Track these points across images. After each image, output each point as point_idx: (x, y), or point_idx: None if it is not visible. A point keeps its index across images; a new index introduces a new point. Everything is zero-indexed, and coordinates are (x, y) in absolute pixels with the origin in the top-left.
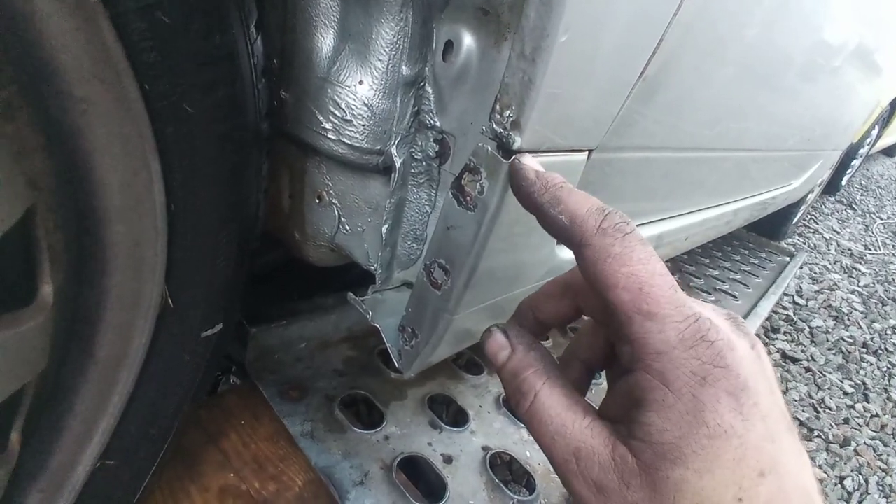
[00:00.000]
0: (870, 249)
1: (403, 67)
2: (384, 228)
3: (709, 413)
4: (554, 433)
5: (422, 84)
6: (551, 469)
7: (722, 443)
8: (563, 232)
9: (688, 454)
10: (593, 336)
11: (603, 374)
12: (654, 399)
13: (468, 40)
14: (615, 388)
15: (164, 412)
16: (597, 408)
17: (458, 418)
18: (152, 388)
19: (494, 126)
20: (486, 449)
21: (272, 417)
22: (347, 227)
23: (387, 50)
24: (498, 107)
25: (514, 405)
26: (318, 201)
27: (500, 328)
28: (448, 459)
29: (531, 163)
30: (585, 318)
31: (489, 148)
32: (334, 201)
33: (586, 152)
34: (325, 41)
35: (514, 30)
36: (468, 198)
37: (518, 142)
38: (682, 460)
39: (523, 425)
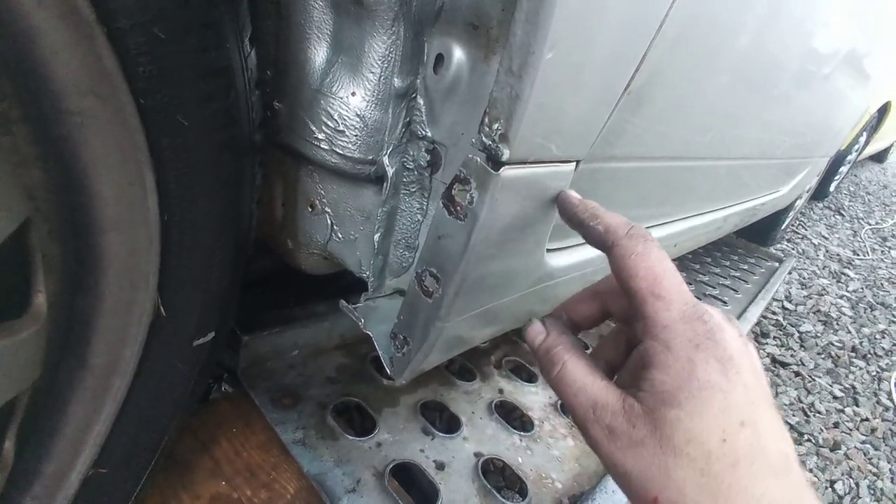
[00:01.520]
0: (858, 255)
1: (395, 79)
2: (376, 237)
3: (700, 370)
4: (577, 391)
5: (413, 96)
6: (543, 475)
7: (710, 394)
8: (599, 238)
9: (682, 399)
10: (616, 341)
11: None
12: (658, 360)
13: (458, 54)
14: (627, 362)
15: (156, 420)
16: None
17: (451, 425)
18: (145, 396)
19: (484, 139)
20: (478, 455)
21: (264, 425)
22: (340, 236)
23: (379, 62)
24: (487, 120)
25: (546, 372)
26: (310, 210)
27: (539, 319)
28: (440, 466)
29: (574, 194)
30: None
31: (479, 159)
32: (327, 210)
33: (574, 163)
34: (319, 53)
35: (503, 45)
36: (458, 208)
37: (506, 154)
38: (678, 404)
39: (516, 431)
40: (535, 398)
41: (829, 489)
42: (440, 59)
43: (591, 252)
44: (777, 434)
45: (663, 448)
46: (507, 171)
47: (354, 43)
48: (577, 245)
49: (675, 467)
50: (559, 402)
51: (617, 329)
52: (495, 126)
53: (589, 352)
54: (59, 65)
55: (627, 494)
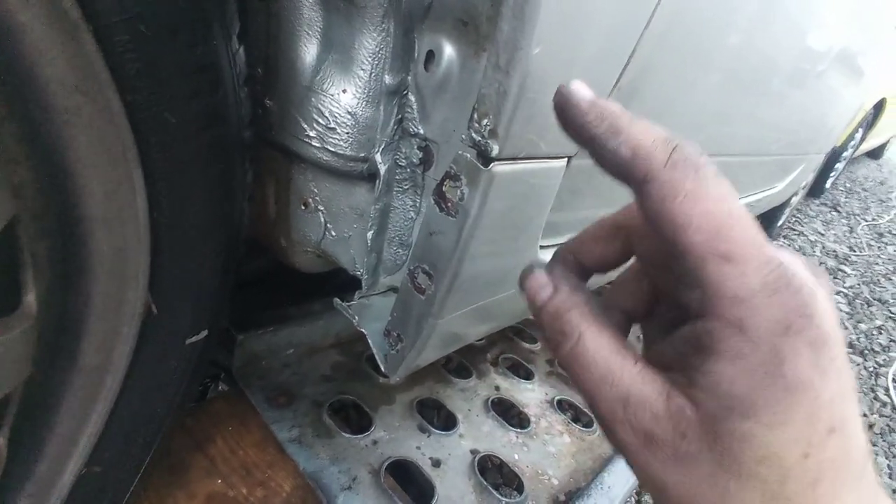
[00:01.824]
0: (855, 251)
1: (386, 77)
2: (370, 234)
3: (788, 365)
4: (600, 378)
5: (405, 93)
6: (539, 471)
7: (798, 397)
8: (623, 167)
9: (759, 406)
10: (636, 284)
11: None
12: (728, 348)
13: (449, 50)
14: (672, 336)
15: (149, 419)
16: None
17: (447, 422)
18: (137, 394)
19: (473, 134)
20: (474, 452)
21: (260, 423)
22: (333, 233)
23: (369, 59)
24: (476, 116)
25: (555, 347)
26: (303, 208)
27: (542, 265)
28: (436, 463)
29: (582, 88)
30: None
31: (469, 156)
32: (320, 208)
33: (565, 159)
34: (309, 51)
35: (492, 41)
36: (449, 204)
37: (496, 150)
38: (753, 412)
39: (512, 428)
40: (531, 395)
41: (876, 468)
42: (431, 56)
43: None
44: (860, 427)
45: (724, 467)
46: (497, 167)
47: (345, 40)
48: None
49: (737, 490)
50: (556, 398)
51: (638, 266)
52: (484, 122)
53: (602, 299)
54: (45, 63)
55: None
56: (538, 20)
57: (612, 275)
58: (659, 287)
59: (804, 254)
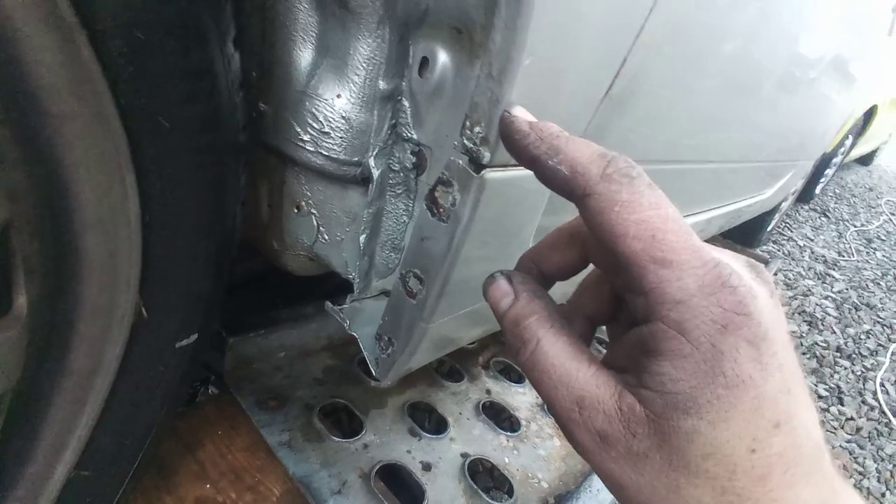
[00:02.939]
0: (843, 256)
1: (380, 82)
2: (362, 238)
3: (727, 362)
4: (557, 381)
5: (399, 98)
6: (530, 475)
7: (739, 393)
8: (564, 184)
9: (702, 404)
10: (597, 289)
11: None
12: (670, 349)
13: (443, 57)
14: (623, 339)
15: (139, 422)
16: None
17: (438, 426)
18: (127, 397)
19: (465, 141)
20: (465, 456)
21: (250, 427)
22: (326, 237)
23: (364, 65)
24: (468, 123)
25: (515, 353)
26: (296, 211)
27: (504, 274)
28: (427, 467)
29: (523, 114)
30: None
31: (461, 162)
32: (313, 211)
33: None
34: (304, 55)
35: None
36: (441, 209)
37: (488, 157)
38: (696, 410)
39: (503, 431)
40: (522, 398)
41: (835, 465)
42: (425, 63)
43: None
44: (811, 421)
45: (673, 465)
46: (488, 174)
47: (340, 45)
48: None
49: (687, 486)
50: None
51: (599, 274)
52: (476, 129)
53: (563, 306)
54: (40, 67)
55: None
56: (529, 31)
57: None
58: (617, 291)
59: (793, 259)
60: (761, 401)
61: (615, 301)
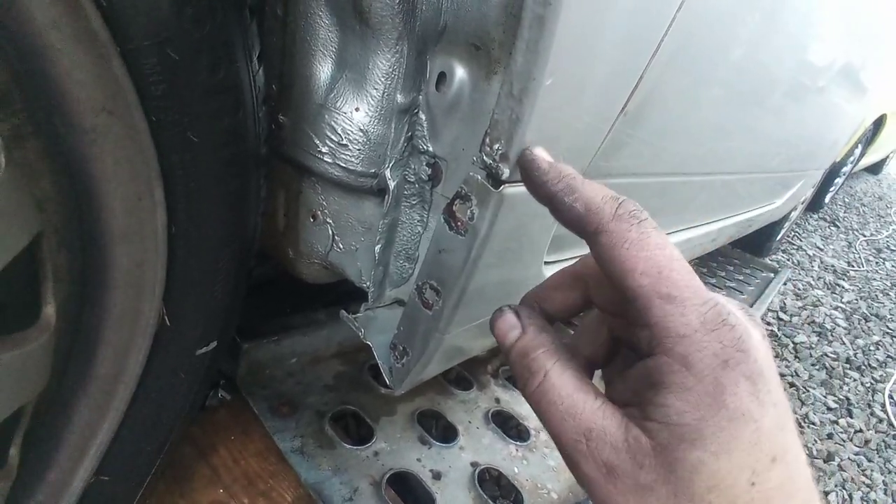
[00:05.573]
0: (853, 266)
1: (398, 96)
2: (377, 248)
3: (729, 396)
4: (564, 413)
5: (416, 111)
6: (539, 485)
7: (740, 426)
8: (578, 220)
9: (706, 436)
10: (596, 332)
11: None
12: (674, 381)
13: (460, 72)
14: (626, 374)
15: (158, 428)
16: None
17: (447, 434)
18: (147, 404)
19: (485, 157)
20: (474, 465)
21: (262, 433)
22: (341, 246)
23: (382, 79)
24: (488, 140)
25: (522, 385)
26: (312, 220)
27: (512, 308)
28: (437, 475)
29: (543, 154)
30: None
31: (479, 177)
32: (328, 221)
33: None
34: (323, 69)
35: (504, 65)
36: (459, 223)
37: (507, 172)
38: (701, 442)
39: (512, 441)
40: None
41: (824, 500)
42: (442, 77)
43: None
44: (802, 458)
45: (678, 497)
46: (507, 189)
47: (359, 60)
48: (576, 257)
49: None
50: None
51: (597, 316)
52: (496, 146)
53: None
54: (73, 83)
55: None
56: (551, 52)
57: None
58: (616, 333)
59: (802, 269)
60: (760, 434)
61: (612, 344)
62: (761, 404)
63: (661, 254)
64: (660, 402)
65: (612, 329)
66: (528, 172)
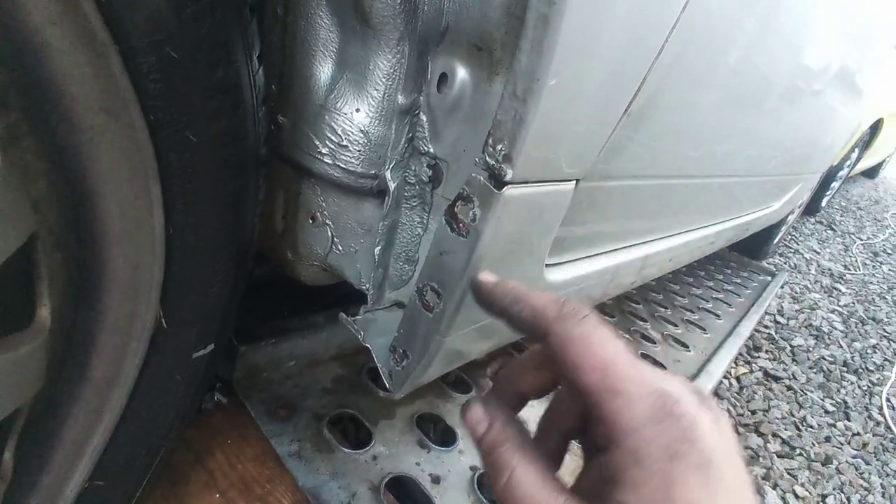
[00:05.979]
0: (850, 269)
1: (399, 97)
2: (377, 250)
3: (677, 488)
4: None
5: (416, 112)
6: None
7: None
8: (528, 326)
9: None
10: (568, 405)
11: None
12: (628, 477)
13: (462, 73)
14: (590, 465)
15: (154, 432)
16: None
17: (447, 437)
18: (143, 408)
19: (487, 158)
20: (474, 469)
21: (259, 437)
22: (340, 248)
23: (383, 80)
24: (491, 141)
25: (492, 479)
26: (311, 222)
27: (480, 401)
28: (436, 479)
29: (489, 276)
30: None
31: (482, 178)
32: (328, 222)
33: (574, 182)
34: (324, 70)
35: (506, 66)
36: (461, 225)
37: (510, 174)
38: None
39: None
40: (530, 411)
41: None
42: (444, 78)
43: (589, 267)
44: None
45: None
46: (509, 191)
47: (359, 61)
48: (576, 260)
49: None
50: None
51: (568, 391)
52: (499, 147)
53: (538, 421)
54: (71, 82)
55: None
56: (556, 53)
57: None
58: (584, 403)
59: (799, 272)
60: None
61: (586, 415)
62: (713, 494)
63: (604, 349)
64: (615, 496)
65: (584, 404)
66: (478, 294)
